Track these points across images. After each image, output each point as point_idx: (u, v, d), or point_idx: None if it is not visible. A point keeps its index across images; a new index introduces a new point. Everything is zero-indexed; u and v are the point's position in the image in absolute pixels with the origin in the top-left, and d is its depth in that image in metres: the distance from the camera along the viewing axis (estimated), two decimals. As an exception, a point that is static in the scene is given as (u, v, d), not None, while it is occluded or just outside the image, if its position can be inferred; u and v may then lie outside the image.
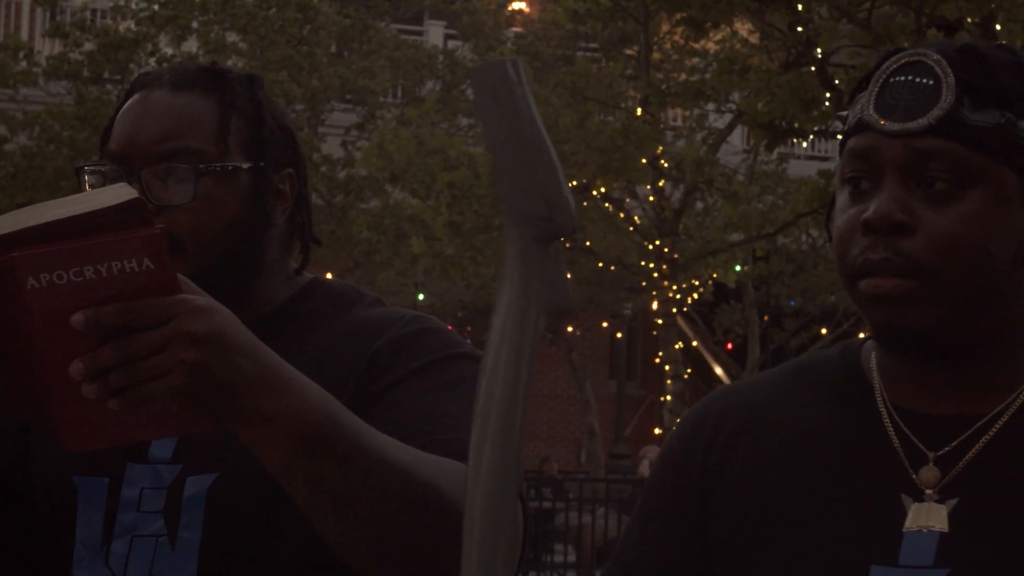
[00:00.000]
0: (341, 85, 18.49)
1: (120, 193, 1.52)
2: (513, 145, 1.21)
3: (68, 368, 1.50)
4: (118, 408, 1.52)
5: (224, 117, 1.97)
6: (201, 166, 1.93)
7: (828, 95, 9.26)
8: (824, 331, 21.08)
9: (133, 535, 1.90)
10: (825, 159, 19.38)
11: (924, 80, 1.60)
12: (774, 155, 13.20)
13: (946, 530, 1.59)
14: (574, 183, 12.21)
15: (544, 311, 1.24)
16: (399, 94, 19.63)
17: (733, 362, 20.14)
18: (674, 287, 14.31)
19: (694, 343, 20.25)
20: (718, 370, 19.94)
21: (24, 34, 20.19)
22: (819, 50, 9.23)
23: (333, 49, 19.37)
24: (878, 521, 1.62)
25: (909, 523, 1.60)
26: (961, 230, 1.58)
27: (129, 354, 1.49)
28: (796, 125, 9.40)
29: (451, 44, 20.84)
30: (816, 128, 9.73)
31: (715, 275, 14.88)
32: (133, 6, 19.17)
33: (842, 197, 1.64)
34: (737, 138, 18.59)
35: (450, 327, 2.01)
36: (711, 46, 14.63)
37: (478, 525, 1.20)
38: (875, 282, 1.59)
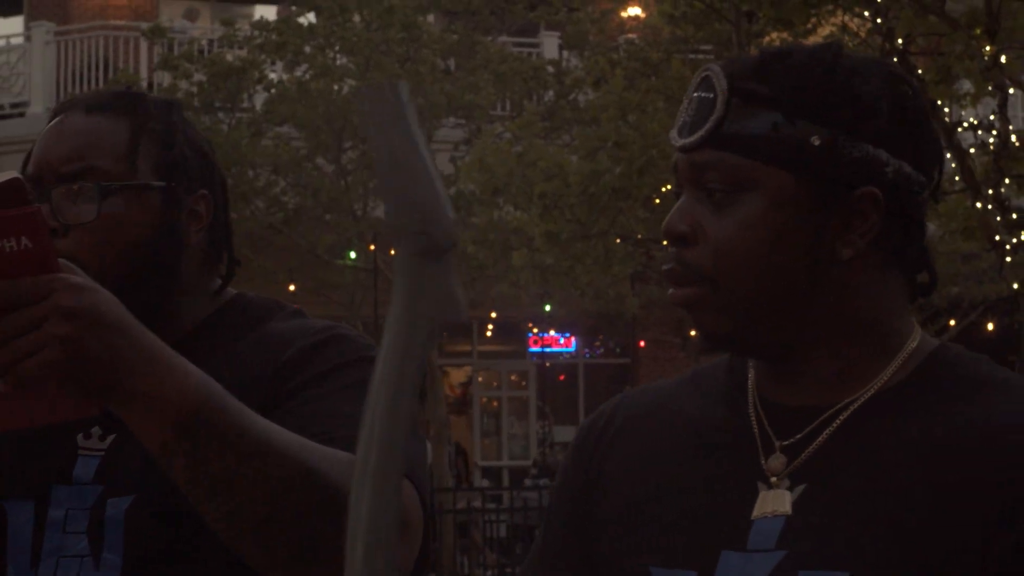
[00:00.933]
0: (447, 102, 18.59)
1: (1, 176, 1.56)
2: (394, 163, 1.26)
3: None
4: (4, 389, 1.57)
5: (134, 138, 2.02)
6: (105, 184, 1.97)
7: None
8: (952, 322, 20.82)
9: (59, 556, 1.94)
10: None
11: (706, 95, 1.68)
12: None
13: (789, 513, 1.64)
14: (667, 187, 12.15)
15: (432, 323, 1.28)
16: (508, 107, 19.70)
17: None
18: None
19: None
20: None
21: (134, 67, 20.50)
22: (899, 41, 9.20)
23: (442, 66, 19.48)
24: (733, 507, 1.68)
25: (757, 509, 1.66)
26: (736, 236, 1.65)
27: (8, 331, 1.54)
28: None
29: (565, 55, 20.91)
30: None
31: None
32: (240, 35, 19.45)
33: None
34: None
35: (360, 335, 2.05)
36: (817, 41, 14.55)
37: (361, 533, 1.24)
38: (671, 291, 1.69)
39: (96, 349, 1.56)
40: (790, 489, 1.66)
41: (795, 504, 1.64)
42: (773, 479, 1.67)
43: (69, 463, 1.99)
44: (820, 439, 1.67)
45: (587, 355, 25.26)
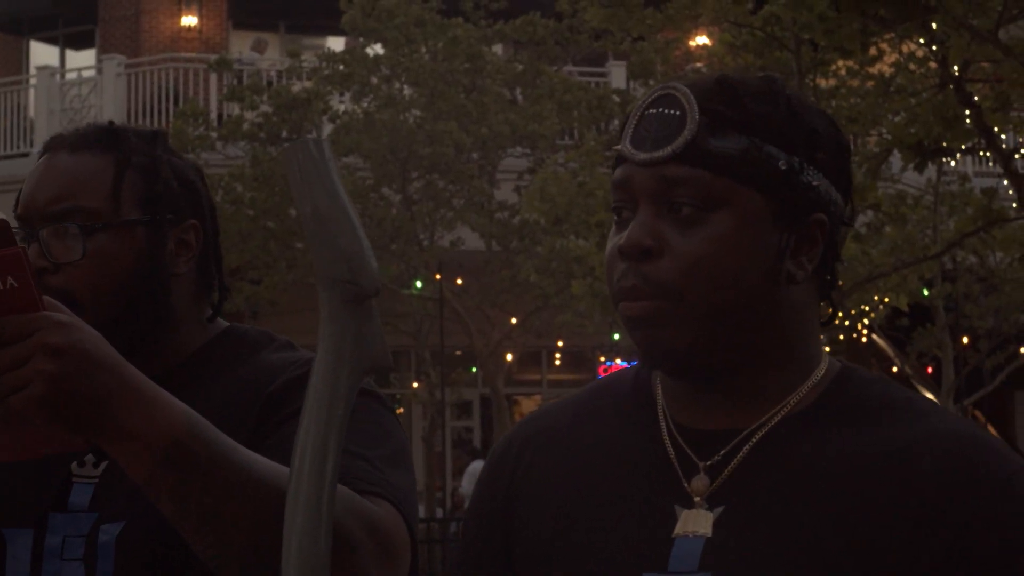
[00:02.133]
0: (512, 131, 18.66)
1: None
2: (318, 216, 1.32)
3: None
4: None
5: (118, 174, 2.07)
6: (90, 224, 2.03)
7: (968, 112, 9.18)
8: (1023, 350, 20.64)
9: None
10: (989, 175, 18.97)
11: (672, 111, 1.69)
12: (924, 173, 12.97)
13: (709, 534, 1.67)
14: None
15: (359, 367, 1.34)
16: (575, 136, 19.74)
17: (934, 385, 19.82)
18: (839, 314, 14.17)
19: (893, 369, 19.99)
20: (928, 395, 19.61)
21: (203, 98, 20.70)
22: (955, 68, 9.18)
23: (507, 96, 19.54)
24: (652, 529, 1.70)
25: (678, 529, 1.69)
26: (706, 251, 1.66)
27: None
28: (944, 144, 9.34)
29: (632, 85, 20.92)
30: (964, 146, 9.65)
31: (887, 299, 14.74)
32: (307, 67, 19.60)
33: (612, 228, 1.74)
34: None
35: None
36: (885, 69, 14.52)
37: (292, 570, 1.30)
38: (627, 305, 1.68)
39: (81, 385, 1.60)
40: (709, 510, 1.68)
41: (715, 525, 1.67)
42: (696, 499, 1.69)
43: (64, 491, 2.04)
44: (736, 460, 1.70)
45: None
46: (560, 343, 22.36)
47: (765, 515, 1.66)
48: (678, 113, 1.68)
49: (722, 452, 1.71)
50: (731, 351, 1.69)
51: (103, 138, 2.11)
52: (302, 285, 18.65)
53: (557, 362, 24.73)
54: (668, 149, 1.67)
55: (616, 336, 20.68)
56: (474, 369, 21.66)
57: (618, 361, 21.85)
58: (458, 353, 21.11)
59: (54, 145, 2.13)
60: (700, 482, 1.70)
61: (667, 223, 1.67)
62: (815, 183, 1.69)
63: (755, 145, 1.67)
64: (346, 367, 1.31)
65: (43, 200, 2.05)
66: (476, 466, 20.86)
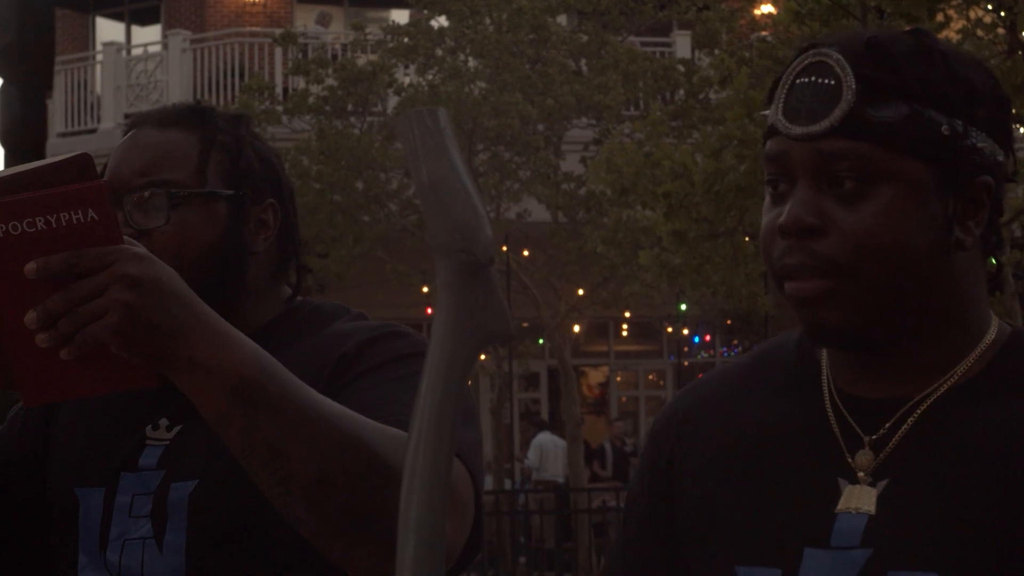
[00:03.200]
0: (577, 102, 18.62)
1: (70, 154, 1.66)
2: (434, 185, 1.31)
3: (24, 319, 1.64)
4: (68, 356, 1.65)
5: (204, 150, 2.12)
6: (174, 191, 2.07)
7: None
8: None
9: (124, 539, 2.05)
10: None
11: (826, 80, 1.62)
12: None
13: (873, 512, 1.62)
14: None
15: (477, 338, 1.33)
16: (641, 106, 19.68)
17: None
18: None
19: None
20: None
21: (268, 73, 20.76)
22: (1023, 34, 9.10)
23: (572, 67, 19.50)
24: (815, 504, 1.66)
25: (840, 505, 1.65)
26: (873, 226, 1.61)
27: (74, 298, 1.63)
28: (1013, 111, 9.26)
29: (697, 55, 20.84)
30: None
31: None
32: (372, 40, 19.62)
33: (766, 199, 1.68)
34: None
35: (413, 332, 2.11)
36: (951, 35, 14.40)
37: (411, 540, 1.29)
38: (796, 285, 1.62)
39: (156, 316, 1.65)
40: (872, 485, 1.64)
41: (879, 500, 1.63)
42: (860, 475, 1.65)
43: (137, 452, 2.09)
44: (901, 433, 1.65)
45: (725, 354, 25.16)
46: (627, 314, 22.35)
47: (930, 492, 1.61)
48: (832, 82, 1.61)
49: (887, 425, 1.66)
50: (901, 324, 1.64)
51: (190, 116, 2.16)
52: (369, 258, 18.71)
53: (624, 333, 24.74)
54: (826, 123, 1.61)
55: (683, 306, 20.63)
56: (541, 341, 21.66)
57: (684, 332, 21.83)
58: (525, 325, 21.12)
59: (140, 121, 2.18)
60: (864, 457, 1.66)
61: (829, 198, 1.62)
62: (979, 145, 1.63)
63: (915, 112, 1.61)
64: (463, 336, 1.30)
65: (129, 172, 2.10)
66: (542, 438, 20.89)
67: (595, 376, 25.96)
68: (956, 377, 1.66)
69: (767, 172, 1.67)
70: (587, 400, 25.18)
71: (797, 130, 1.62)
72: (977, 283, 1.68)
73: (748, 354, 1.86)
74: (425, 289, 19.31)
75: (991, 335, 1.69)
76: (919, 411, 1.66)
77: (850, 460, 1.66)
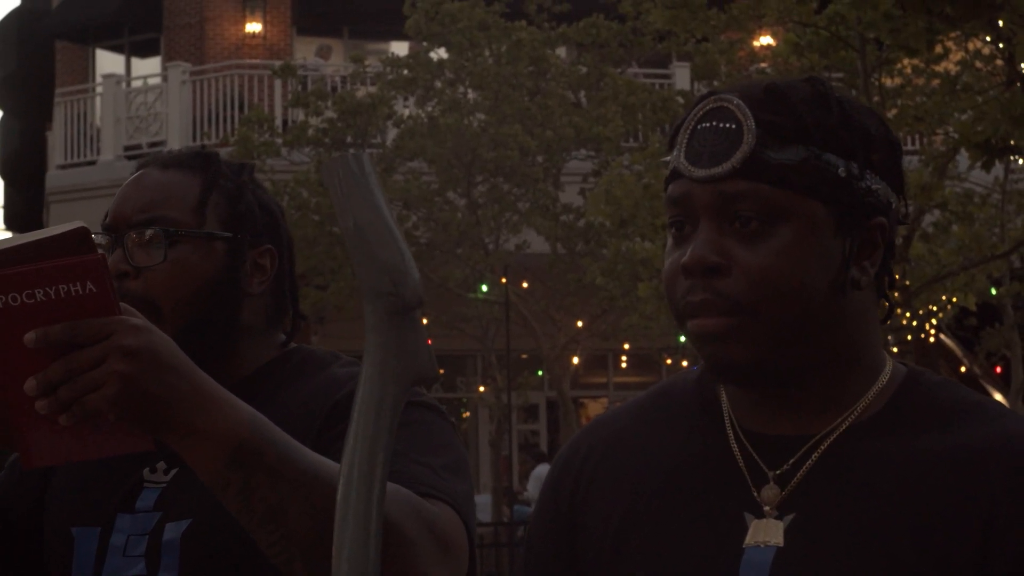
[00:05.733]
0: (575, 134, 18.66)
1: (69, 225, 1.69)
2: (360, 229, 1.32)
3: (24, 387, 1.67)
4: (67, 423, 1.68)
5: (204, 191, 2.17)
6: (173, 230, 2.11)
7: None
8: None
9: None
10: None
11: (727, 125, 1.67)
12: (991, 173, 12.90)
13: (781, 544, 1.66)
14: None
15: (405, 379, 1.34)
16: (640, 138, 19.71)
17: (1003, 385, 19.67)
18: (907, 314, 14.12)
19: (962, 368, 19.86)
20: (997, 395, 19.47)
21: (268, 105, 20.80)
22: (1022, 65, 9.12)
23: (571, 98, 19.55)
24: (722, 538, 1.69)
25: (748, 539, 1.68)
26: (773, 265, 1.65)
27: (73, 369, 1.66)
28: (1012, 143, 9.27)
29: (696, 86, 20.89)
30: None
31: (954, 299, 14.64)
32: (371, 72, 19.67)
33: (668, 241, 1.73)
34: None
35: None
36: (950, 67, 14.43)
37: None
38: (699, 322, 1.67)
39: (153, 386, 1.68)
40: (779, 519, 1.68)
41: (786, 533, 1.66)
42: (766, 509, 1.68)
43: (134, 494, 2.12)
44: (805, 468, 1.69)
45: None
46: (626, 346, 22.34)
47: (836, 524, 1.65)
48: (733, 126, 1.66)
49: (791, 460, 1.70)
50: (800, 361, 1.68)
51: (194, 160, 2.22)
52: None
53: (623, 365, 24.72)
54: (728, 165, 1.65)
55: (682, 338, 20.62)
56: (540, 372, 21.66)
57: (684, 364, 21.82)
58: (524, 356, 21.12)
59: (147, 163, 2.23)
60: (770, 491, 1.69)
61: (730, 238, 1.66)
62: (874, 187, 1.69)
63: (813, 154, 1.66)
64: (391, 378, 1.32)
65: (130, 210, 2.15)
66: (541, 470, 20.86)
67: (594, 408, 25.92)
68: (856, 413, 1.71)
69: (669, 215, 1.72)
70: (587, 432, 25.15)
71: (699, 172, 1.67)
72: (872, 322, 1.73)
73: (647, 392, 1.89)
74: (424, 321, 19.30)
75: (887, 374, 1.74)
76: (822, 447, 1.70)
77: (756, 495, 1.70)
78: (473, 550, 1.95)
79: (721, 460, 1.73)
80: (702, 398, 1.80)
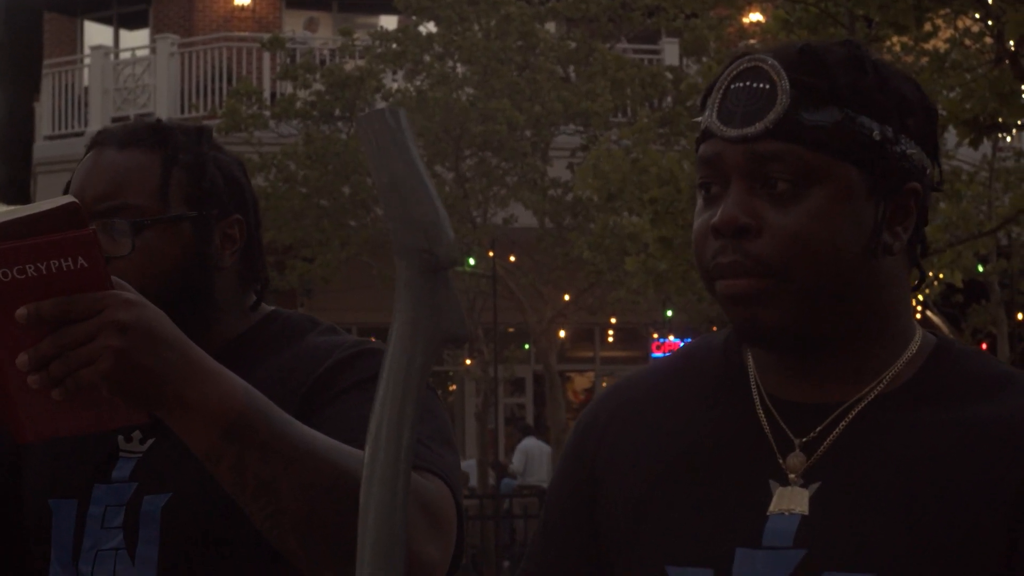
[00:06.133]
0: (564, 109, 18.63)
1: (59, 200, 1.68)
2: (395, 185, 1.32)
3: (15, 362, 1.67)
4: (59, 398, 1.68)
5: (165, 171, 2.11)
6: (137, 220, 2.07)
7: (1024, 87, 9.11)
8: None
9: (97, 550, 2.06)
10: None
11: (761, 85, 1.65)
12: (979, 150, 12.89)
13: (806, 512, 1.64)
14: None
15: (436, 338, 1.34)
16: (629, 113, 19.69)
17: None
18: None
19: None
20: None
21: (256, 77, 20.75)
22: (1011, 43, 9.10)
23: (560, 73, 19.52)
24: (746, 505, 1.67)
25: (773, 506, 1.66)
26: (805, 227, 1.62)
27: (65, 343, 1.66)
28: (999, 120, 9.24)
29: (685, 62, 20.88)
30: (1019, 121, 9.55)
31: (941, 275, 14.64)
32: (360, 45, 19.63)
33: (698, 202, 1.70)
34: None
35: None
36: (939, 45, 14.42)
37: (370, 537, 1.30)
38: (728, 283, 1.64)
39: (146, 359, 1.68)
40: (804, 487, 1.66)
41: (811, 502, 1.65)
42: (792, 476, 1.67)
43: (110, 464, 2.10)
44: (832, 436, 1.67)
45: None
46: (613, 320, 22.35)
47: (862, 493, 1.63)
48: (767, 86, 1.64)
49: (818, 428, 1.68)
50: (829, 326, 1.66)
51: (151, 136, 2.15)
52: (355, 263, 18.71)
53: (610, 339, 24.73)
54: (760, 125, 1.63)
55: (669, 313, 20.62)
56: (527, 346, 21.67)
57: (671, 338, 21.84)
58: (511, 330, 21.13)
59: (102, 140, 2.17)
60: (796, 459, 1.67)
61: (761, 199, 1.64)
62: (909, 152, 1.66)
63: (848, 117, 1.63)
64: (422, 337, 1.31)
65: (92, 196, 2.09)
66: (528, 443, 20.89)
67: (581, 382, 25.95)
68: (885, 383, 1.69)
69: (699, 175, 1.69)
70: (572, 406, 25.17)
71: (732, 132, 1.64)
72: (903, 290, 1.71)
73: (674, 354, 1.87)
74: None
75: (916, 342, 1.72)
76: (850, 415, 1.68)
77: (782, 462, 1.68)
78: (462, 523, 1.94)
79: (747, 426, 1.71)
80: (728, 363, 1.78)
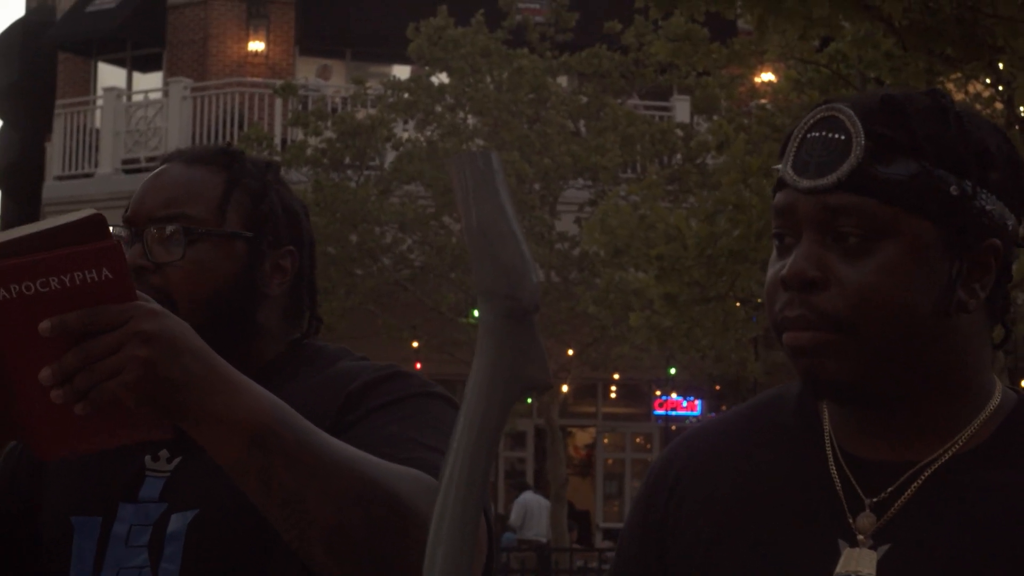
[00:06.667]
0: (573, 163, 18.67)
1: (82, 212, 1.66)
2: (482, 228, 1.32)
3: (38, 376, 1.65)
4: (83, 412, 1.66)
5: (227, 190, 2.14)
6: (193, 228, 2.09)
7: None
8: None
9: (119, 568, 2.04)
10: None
11: (836, 135, 1.62)
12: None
13: (874, 575, 1.60)
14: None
15: (517, 385, 1.33)
16: (638, 169, 19.73)
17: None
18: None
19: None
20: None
21: (268, 123, 20.80)
22: (1021, 108, 9.14)
23: (570, 127, 19.57)
24: (812, 563, 1.64)
25: (840, 568, 1.62)
26: (874, 282, 1.59)
27: (90, 356, 1.64)
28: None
29: (696, 119, 20.92)
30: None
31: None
32: (372, 94, 19.68)
33: (773, 253, 1.68)
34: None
35: (415, 370, 2.16)
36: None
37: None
38: (793, 335, 1.62)
39: (171, 371, 1.67)
40: (873, 548, 1.62)
41: (879, 564, 1.61)
42: (860, 537, 1.63)
43: (137, 483, 2.09)
44: (905, 497, 1.63)
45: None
46: (616, 376, 22.32)
47: (932, 559, 1.60)
48: (842, 137, 1.61)
49: (890, 488, 1.64)
50: (900, 382, 1.63)
51: (219, 157, 2.18)
52: (360, 311, 18.70)
53: (612, 395, 24.69)
54: (833, 177, 1.61)
55: (672, 370, 20.61)
56: (529, 400, 21.64)
57: (673, 395, 21.82)
58: (514, 383, 21.08)
59: (171, 157, 2.20)
60: (866, 519, 1.64)
61: (833, 252, 1.61)
62: (988, 207, 1.62)
63: (925, 170, 1.60)
64: (502, 383, 1.29)
65: (151, 204, 2.12)
66: (526, 496, 20.84)
67: (582, 437, 25.89)
68: (962, 443, 1.65)
69: (774, 225, 1.67)
70: (573, 461, 25.11)
71: (805, 183, 1.62)
72: (982, 347, 1.66)
73: (747, 404, 1.84)
74: (415, 344, 19.31)
75: (996, 401, 1.67)
76: (924, 476, 1.64)
77: (851, 522, 1.64)
78: (492, 546, 1.94)
79: (818, 483, 1.68)
80: (802, 415, 1.75)
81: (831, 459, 1.69)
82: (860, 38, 9.56)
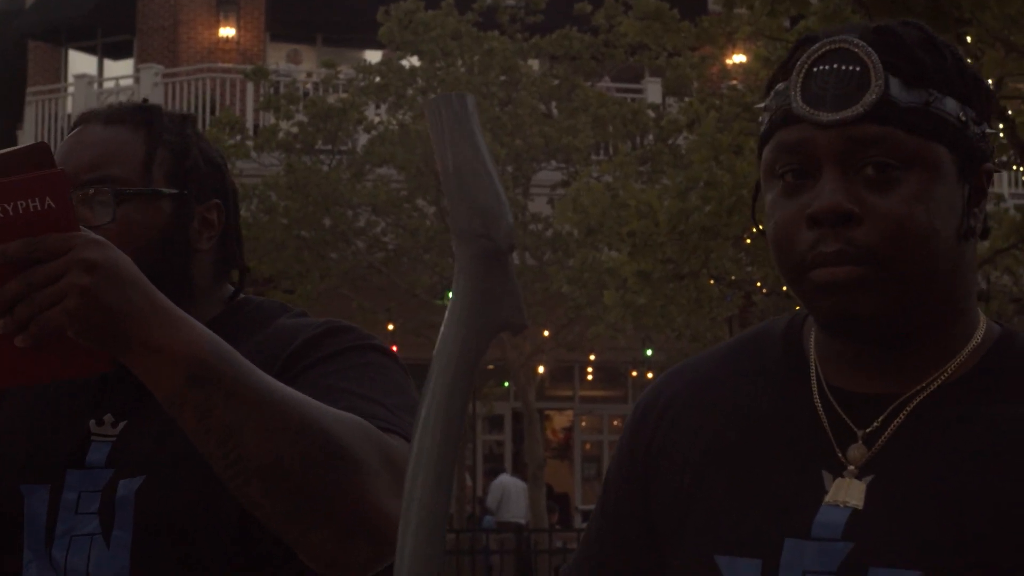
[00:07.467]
0: (545, 144, 18.67)
1: (28, 143, 1.67)
2: (457, 169, 1.34)
3: None
4: (24, 344, 1.67)
5: (150, 148, 2.13)
6: (121, 189, 2.09)
7: (1002, 126, 9.13)
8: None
9: (71, 535, 2.04)
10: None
11: (850, 67, 1.59)
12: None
13: (860, 506, 1.60)
14: (759, 228, 12.11)
15: (491, 325, 1.35)
16: (609, 150, 19.73)
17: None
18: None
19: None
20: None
21: (240, 108, 20.75)
22: (990, 82, 9.17)
23: (542, 109, 19.56)
24: (799, 496, 1.63)
25: (828, 498, 1.62)
26: (907, 212, 1.57)
27: (32, 284, 1.65)
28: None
29: (667, 100, 20.92)
30: (997, 161, 9.57)
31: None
32: (343, 78, 19.65)
33: (773, 192, 1.64)
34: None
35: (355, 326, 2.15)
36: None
37: (413, 522, 1.31)
38: (829, 271, 1.58)
39: (114, 300, 1.68)
40: (859, 479, 1.61)
41: (867, 494, 1.60)
42: (850, 468, 1.62)
43: (82, 449, 2.09)
44: (891, 428, 1.62)
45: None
46: (592, 357, 22.33)
47: (918, 489, 1.59)
48: (858, 68, 1.58)
49: (879, 420, 1.63)
50: (921, 314, 1.61)
51: (136, 114, 2.18)
52: (334, 295, 18.67)
53: (589, 377, 24.70)
54: (858, 108, 1.57)
55: (649, 352, 20.62)
56: (506, 384, 21.64)
57: (649, 376, 21.84)
58: (490, 367, 21.10)
59: (87, 118, 2.19)
60: (857, 451, 1.63)
61: (860, 186, 1.58)
62: (987, 132, 1.64)
63: (936, 98, 1.59)
64: (477, 322, 1.32)
65: (75, 168, 2.10)
66: (504, 479, 20.87)
67: (560, 420, 25.91)
68: (948, 374, 1.64)
69: (781, 162, 1.62)
70: (551, 444, 25.13)
71: (826, 116, 1.58)
72: (975, 275, 1.67)
73: (731, 340, 1.83)
74: (390, 327, 19.29)
75: (981, 332, 1.67)
76: (910, 407, 1.63)
77: (840, 454, 1.63)
78: None
79: (804, 416, 1.67)
80: (788, 350, 1.74)
81: (816, 392, 1.68)
82: (828, 13, 9.55)
